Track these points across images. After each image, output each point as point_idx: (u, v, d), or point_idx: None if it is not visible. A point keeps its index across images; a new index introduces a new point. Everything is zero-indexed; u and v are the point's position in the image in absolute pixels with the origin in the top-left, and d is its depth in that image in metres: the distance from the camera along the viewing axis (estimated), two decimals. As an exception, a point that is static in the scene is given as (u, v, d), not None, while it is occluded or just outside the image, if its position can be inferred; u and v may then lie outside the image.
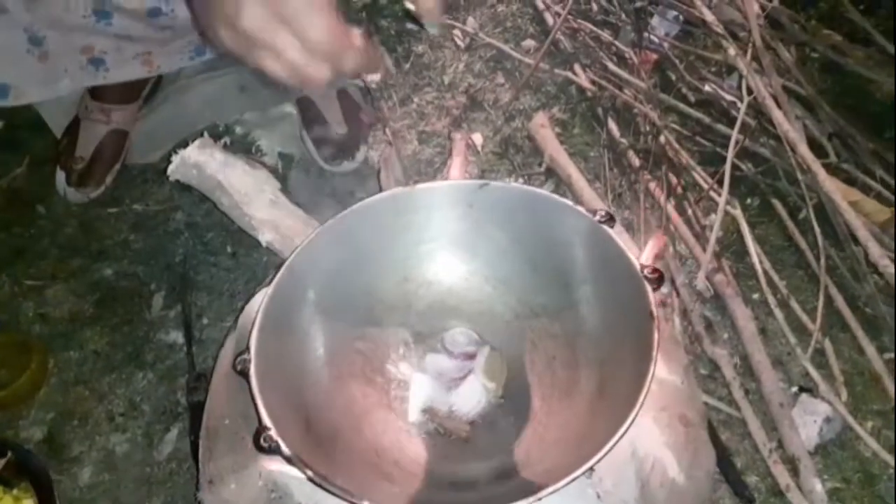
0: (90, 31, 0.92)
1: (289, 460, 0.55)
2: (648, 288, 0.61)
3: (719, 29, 1.15)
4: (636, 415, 0.56)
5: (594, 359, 0.66)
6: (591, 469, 0.55)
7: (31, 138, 1.22)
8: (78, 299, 1.05)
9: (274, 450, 0.55)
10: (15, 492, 0.84)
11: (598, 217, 0.66)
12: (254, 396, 0.57)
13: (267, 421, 0.56)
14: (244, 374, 0.59)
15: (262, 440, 0.55)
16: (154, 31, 0.92)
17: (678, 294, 1.01)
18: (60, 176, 1.15)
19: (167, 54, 0.98)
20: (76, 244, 1.11)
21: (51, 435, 0.94)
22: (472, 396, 0.68)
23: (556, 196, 0.69)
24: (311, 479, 0.55)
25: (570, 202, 0.68)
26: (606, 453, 0.54)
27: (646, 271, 0.63)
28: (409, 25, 1.33)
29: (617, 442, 0.55)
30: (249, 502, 0.64)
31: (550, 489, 0.53)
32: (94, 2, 0.88)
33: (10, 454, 0.83)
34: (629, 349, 0.62)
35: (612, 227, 0.66)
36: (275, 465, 0.59)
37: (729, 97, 1.16)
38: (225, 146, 0.87)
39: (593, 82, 1.22)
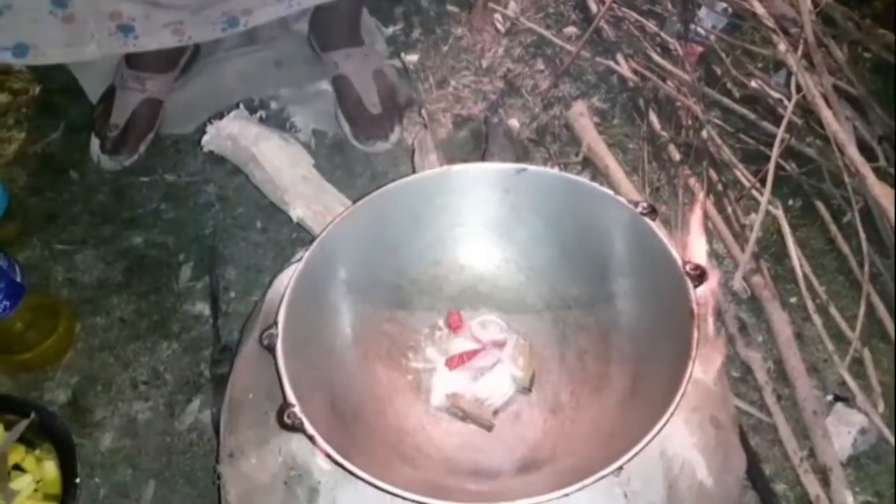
0: None
1: (311, 439, 0.54)
2: (690, 285, 0.59)
3: (770, 23, 1.11)
4: (671, 415, 0.54)
5: (628, 355, 0.65)
6: (620, 468, 0.54)
7: (68, 104, 1.22)
8: (107, 266, 1.05)
9: (297, 427, 0.54)
10: (37, 453, 0.85)
11: (639, 209, 0.64)
12: (279, 372, 0.57)
13: (291, 398, 0.55)
14: (270, 348, 0.58)
15: (285, 417, 0.54)
16: None
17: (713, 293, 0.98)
18: (94, 143, 1.15)
19: (199, 24, 0.96)
20: (107, 211, 1.11)
21: (75, 398, 0.94)
22: (499, 386, 0.67)
23: (595, 185, 0.67)
24: (331, 459, 0.54)
25: (610, 192, 0.67)
26: (638, 453, 0.53)
27: (687, 267, 0.61)
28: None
29: (649, 442, 0.53)
30: (268, 478, 0.63)
31: (578, 485, 0.51)
32: None
33: (33, 415, 0.84)
34: (666, 347, 0.61)
35: (653, 219, 0.64)
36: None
37: (776, 94, 1.13)
38: (260, 120, 0.86)
39: (635, 72, 1.19)
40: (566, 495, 0.51)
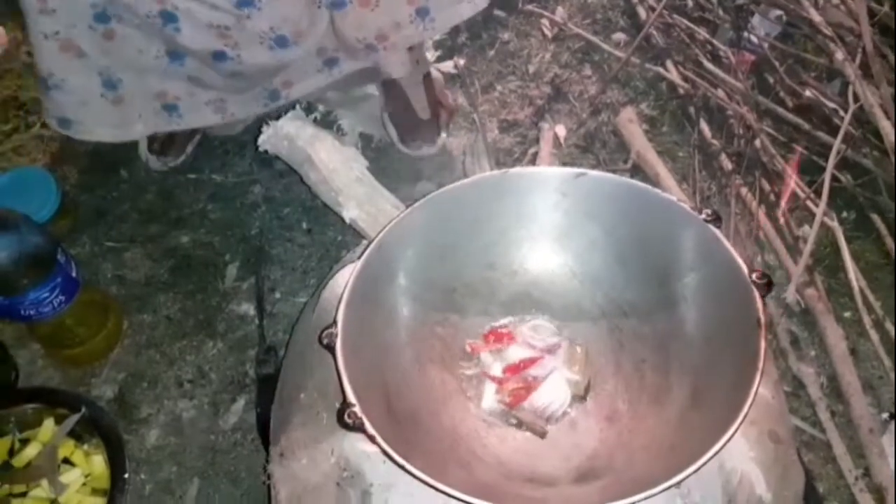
0: (164, 73, 0.92)
1: (372, 438, 0.53)
2: (757, 294, 0.58)
3: (828, 31, 1.09)
4: (738, 428, 0.53)
5: (688, 365, 0.63)
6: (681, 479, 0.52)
7: (119, 103, 1.24)
8: (154, 264, 1.06)
9: (357, 427, 0.54)
10: (86, 447, 0.86)
11: (703, 215, 0.63)
12: (339, 372, 0.56)
13: (352, 397, 0.55)
14: (330, 347, 0.58)
15: (346, 416, 0.54)
16: (223, 77, 0.92)
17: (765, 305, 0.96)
18: (143, 143, 1.16)
19: (241, 101, 0.98)
20: (155, 210, 1.12)
21: (121, 394, 0.95)
22: (556, 394, 0.66)
23: (658, 191, 0.66)
24: (392, 459, 0.53)
25: (673, 197, 0.65)
26: (703, 465, 0.51)
27: (754, 276, 0.59)
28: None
29: (715, 455, 0.52)
30: (320, 478, 0.63)
31: (642, 495, 0.50)
32: (166, 43, 0.88)
33: (84, 410, 0.84)
34: (730, 358, 0.59)
35: (718, 227, 0.63)
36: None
37: (831, 104, 1.10)
38: (315, 121, 0.87)
39: (686, 80, 1.17)
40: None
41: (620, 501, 0.50)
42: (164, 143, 1.15)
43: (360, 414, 0.54)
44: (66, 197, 1.07)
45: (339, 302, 0.60)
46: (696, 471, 0.52)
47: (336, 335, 0.58)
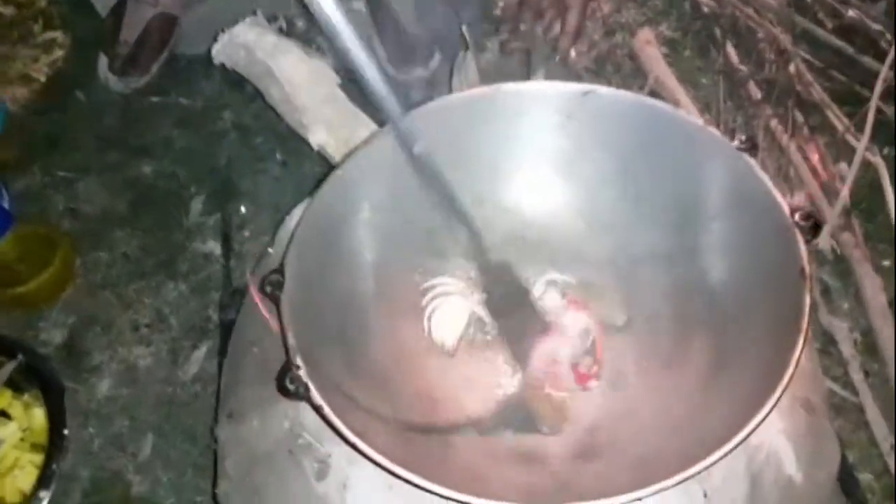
0: None
1: (318, 409, 0.44)
2: (800, 238, 0.47)
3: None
4: (775, 404, 0.42)
5: (713, 322, 0.53)
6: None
7: (76, 18, 1.13)
8: (112, 196, 0.98)
9: (300, 394, 0.44)
10: (26, 398, 0.77)
11: (736, 143, 0.52)
12: (283, 326, 0.46)
13: (296, 358, 0.45)
14: (274, 298, 0.48)
15: (287, 380, 0.44)
16: None
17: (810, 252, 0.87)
18: (103, 61, 1.06)
19: None
20: (114, 137, 1.03)
21: (71, 340, 0.87)
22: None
23: (682, 112, 0.55)
24: (342, 437, 0.43)
25: (700, 122, 0.54)
26: (732, 450, 0.41)
27: (797, 216, 0.48)
28: None
29: (747, 437, 0.42)
30: (272, 444, 0.54)
31: (655, 487, 0.40)
32: None
33: (20, 357, 0.76)
34: (763, 316, 0.49)
35: (754, 156, 0.51)
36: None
37: (876, 26, 0.98)
38: (280, 31, 0.75)
39: (712, -3, 1.05)
40: (639, 499, 0.40)
41: (624, 496, 0.41)
42: (126, 62, 1.05)
43: (305, 378, 0.44)
44: (13, 120, 0.97)
45: (289, 244, 0.49)
46: (723, 457, 0.42)
47: (281, 283, 0.47)
